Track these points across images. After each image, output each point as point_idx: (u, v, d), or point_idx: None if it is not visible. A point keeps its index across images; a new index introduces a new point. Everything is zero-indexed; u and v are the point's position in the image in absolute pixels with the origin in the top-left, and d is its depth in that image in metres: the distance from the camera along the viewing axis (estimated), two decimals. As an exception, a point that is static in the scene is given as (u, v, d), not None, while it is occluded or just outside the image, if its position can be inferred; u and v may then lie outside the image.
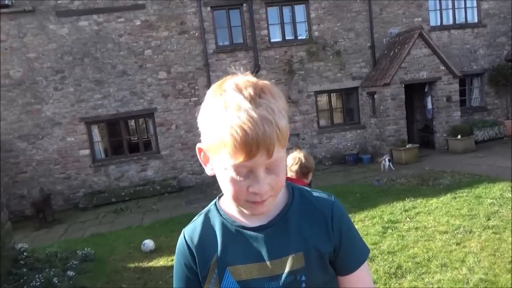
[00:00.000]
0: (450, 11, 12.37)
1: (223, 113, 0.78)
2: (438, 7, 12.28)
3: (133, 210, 9.11)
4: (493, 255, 4.20)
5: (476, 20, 12.48)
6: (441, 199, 6.52)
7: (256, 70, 11.03)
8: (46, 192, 9.59)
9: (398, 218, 5.86)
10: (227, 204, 0.96)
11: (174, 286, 1.01)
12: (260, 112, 0.77)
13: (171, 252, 5.87)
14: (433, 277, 3.94)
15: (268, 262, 0.90)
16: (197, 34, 10.86)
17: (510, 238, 4.56)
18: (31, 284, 4.53)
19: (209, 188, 10.36)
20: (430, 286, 3.80)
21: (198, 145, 0.91)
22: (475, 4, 12.41)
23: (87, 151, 10.57)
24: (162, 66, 10.80)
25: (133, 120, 11.45)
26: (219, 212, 0.97)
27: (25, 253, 5.41)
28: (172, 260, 5.61)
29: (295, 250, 0.91)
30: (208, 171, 0.91)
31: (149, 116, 11.02)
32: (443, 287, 3.75)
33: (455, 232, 5.01)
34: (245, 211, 0.89)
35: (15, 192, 10.09)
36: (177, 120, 10.97)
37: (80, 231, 8.02)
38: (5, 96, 10.03)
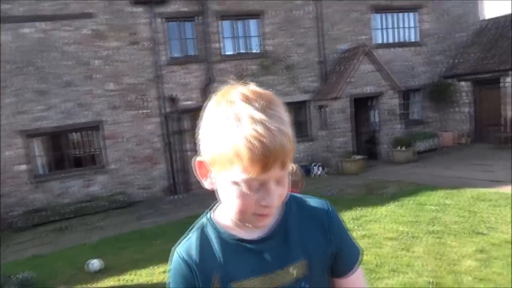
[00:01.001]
0: (394, 30, 13.20)
1: (236, 126, 0.75)
2: (382, 26, 13.06)
3: (78, 228, 8.61)
4: (437, 259, 4.45)
5: (416, 39, 13.41)
6: (387, 207, 6.83)
7: (208, 83, 11.02)
8: (-21, 211, 8.81)
9: (349, 226, 6.02)
10: (223, 217, 0.93)
11: None
12: (275, 124, 0.75)
13: (121, 271, 5.61)
14: (384, 282, 4.08)
15: (272, 274, 0.89)
16: (149, 45, 10.66)
17: (451, 242, 4.86)
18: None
19: (159, 203, 10.07)
20: (381, 291, 3.93)
21: (198, 159, 0.86)
22: (416, 24, 13.35)
23: (25, 166, 9.85)
24: (112, 77, 10.44)
25: (79, 133, 10.89)
26: (215, 226, 0.94)
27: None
28: (123, 280, 5.35)
29: (298, 259, 0.91)
30: (208, 185, 0.88)
31: (96, 129, 10.56)
32: (393, 292, 3.89)
33: (402, 238, 5.25)
34: (248, 224, 0.86)
35: None
36: (126, 132, 10.61)
37: (17, 253, 7.40)
38: None
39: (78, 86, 10.20)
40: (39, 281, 5.47)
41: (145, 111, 10.72)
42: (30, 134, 9.92)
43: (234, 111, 0.76)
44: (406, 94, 13.04)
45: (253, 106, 0.76)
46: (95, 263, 5.70)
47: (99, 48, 10.29)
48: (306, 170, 11.51)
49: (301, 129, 12.48)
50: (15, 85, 9.72)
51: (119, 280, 5.32)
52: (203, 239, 0.93)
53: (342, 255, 0.97)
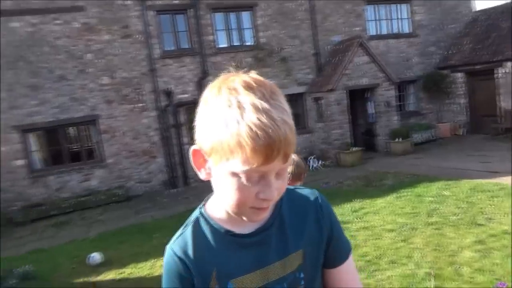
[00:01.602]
0: (387, 22, 13.19)
1: (238, 114, 0.71)
2: (375, 18, 13.05)
3: (77, 223, 8.60)
4: (436, 250, 4.51)
5: (409, 31, 13.41)
6: (386, 199, 6.88)
7: (203, 76, 10.97)
8: (-25, 208, 8.74)
9: (347, 218, 6.08)
10: (217, 211, 0.90)
11: None
12: (279, 114, 0.73)
13: (121, 264, 5.63)
14: (384, 274, 4.13)
15: (270, 266, 0.88)
16: (141, 38, 10.56)
17: (449, 233, 4.92)
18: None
19: (158, 197, 10.07)
20: (382, 282, 3.98)
21: (194, 147, 0.82)
22: (408, 16, 13.35)
23: (22, 161, 9.77)
24: (105, 71, 10.34)
25: (75, 128, 10.80)
26: (208, 221, 0.90)
27: (-47, 276, 4.89)
28: (123, 273, 5.37)
29: (295, 249, 0.91)
30: (203, 176, 0.84)
31: (92, 123, 10.48)
32: (393, 283, 3.95)
33: (401, 229, 5.31)
34: (244, 218, 0.83)
35: None
36: (122, 126, 10.54)
37: (16, 248, 7.39)
38: None
39: (71, 81, 10.10)
40: (40, 275, 5.50)
41: (140, 104, 10.66)
42: (25, 129, 9.82)
43: (236, 99, 0.73)
44: (401, 86, 13.09)
45: (256, 95, 0.73)
46: (95, 257, 5.73)
47: (91, 42, 10.18)
48: (304, 163, 11.56)
49: (298, 121, 12.48)
50: (6, 80, 9.59)
51: (120, 273, 5.34)
52: (198, 235, 0.89)
53: (335, 244, 0.96)
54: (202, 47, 11.04)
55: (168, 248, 0.91)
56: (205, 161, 0.82)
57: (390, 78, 11.56)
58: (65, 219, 8.86)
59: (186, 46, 11.18)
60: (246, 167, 0.72)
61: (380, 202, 6.72)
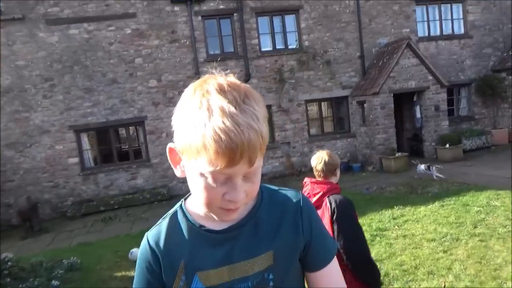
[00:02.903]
0: (437, 23, 12.61)
1: (206, 116, 0.73)
2: (425, 18, 12.52)
3: (122, 219, 9.01)
4: (479, 263, 4.24)
5: (462, 32, 12.72)
6: (429, 207, 6.57)
7: (246, 79, 11.10)
8: (34, 201, 9.45)
9: (386, 226, 5.88)
10: (195, 206, 0.92)
11: None
12: (246, 119, 0.73)
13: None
14: (419, 285, 3.95)
15: (238, 264, 0.88)
16: (188, 43, 10.91)
17: (496, 246, 4.60)
18: (14, 294, 4.44)
19: (199, 197, 10.28)
20: (417, 293, 3.81)
21: (170, 145, 0.85)
22: (461, 16, 12.68)
23: (76, 159, 10.46)
24: (153, 75, 10.80)
25: (123, 128, 11.38)
26: (185, 215, 0.93)
27: (9, 263, 5.30)
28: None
29: (265, 250, 0.90)
30: (178, 173, 0.88)
31: (139, 124, 10.98)
32: (429, 295, 3.76)
33: (443, 239, 5.04)
34: (215, 217, 0.85)
35: (2, 201, 9.92)
36: (167, 128, 10.92)
37: (67, 240, 7.91)
38: (-8, 104, 9.93)
39: (122, 84, 10.64)
40: (85, 267, 5.82)
41: (185, 107, 10.97)
42: (79, 129, 10.50)
43: (207, 101, 0.75)
44: (453, 89, 12.44)
45: (226, 98, 0.75)
46: (136, 252, 5.96)
47: (141, 47, 10.67)
48: (347, 167, 11.30)
49: (341, 125, 12.27)
50: (64, 83, 10.31)
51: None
52: (172, 227, 0.93)
53: (315, 248, 0.94)
54: (246, 50, 11.18)
55: (145, 235, 0.96)
56: (180, 159, 0.85)
57: (440, 81, 11.03)
58: (112, 215, 9.32)
59: (231, 50, 11.38)
60: (211, 168, 0.75)
61: (422, 210, 6.43)
